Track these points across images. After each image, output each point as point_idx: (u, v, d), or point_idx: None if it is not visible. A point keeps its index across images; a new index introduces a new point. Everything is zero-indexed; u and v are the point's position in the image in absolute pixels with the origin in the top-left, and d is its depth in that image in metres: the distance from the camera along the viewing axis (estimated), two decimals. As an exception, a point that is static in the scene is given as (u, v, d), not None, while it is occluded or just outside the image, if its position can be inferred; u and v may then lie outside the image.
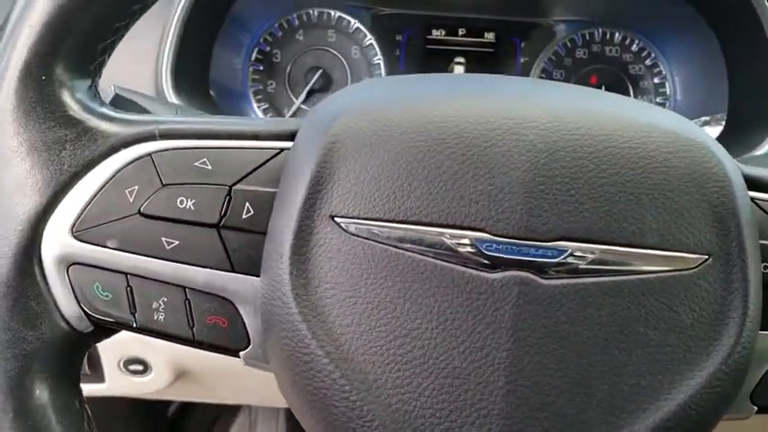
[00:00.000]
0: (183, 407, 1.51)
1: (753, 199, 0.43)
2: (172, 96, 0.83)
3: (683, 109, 1.02)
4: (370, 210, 0.39)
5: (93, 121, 0.42)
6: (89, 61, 0.43)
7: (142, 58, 0.84)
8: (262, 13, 1.01)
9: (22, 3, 0.41)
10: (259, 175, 0.43)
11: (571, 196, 0.39)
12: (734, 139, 0.88)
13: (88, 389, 0.89)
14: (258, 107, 1.03)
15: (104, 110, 0.44)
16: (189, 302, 0.42)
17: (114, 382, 0.87)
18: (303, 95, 1.03)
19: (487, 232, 0.39)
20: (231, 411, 1.51)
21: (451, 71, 1.05)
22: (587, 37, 1.04)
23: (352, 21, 1.03)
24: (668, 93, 1.03)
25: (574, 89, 0.49)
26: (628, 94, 1.03)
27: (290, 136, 0.44)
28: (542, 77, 1.04)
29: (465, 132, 0.40)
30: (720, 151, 0.42)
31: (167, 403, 1.50)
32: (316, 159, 0.40)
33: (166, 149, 0.42)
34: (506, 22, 1.04)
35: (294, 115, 1.04)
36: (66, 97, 0.42)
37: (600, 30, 1.03)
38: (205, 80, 0.93)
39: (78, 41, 0.41)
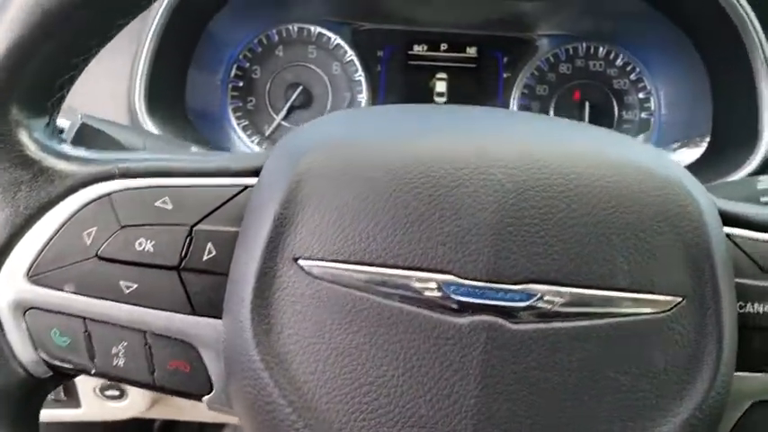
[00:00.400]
0: (166, 423, 1.49)
1: (728, 235, 0.41)
2: (146, 118, 0.81)
3: (668, 124, 1.01)
4: (334, 252, 0.38)
5: (50, 161, 0.41)
6: (46, 98, 0.41)
7: (116, 77, 0.83)
8: (240, 29, 1.00)
9: None
10: (222, 214, 0.42)
11: (540, 237, 0.38)
12: (717, 158, 0.88)
13: (64, 414, 0.88)
14: (238, 124, 1.02)
15: (62, 148, 0.42)
16: (149, 347, 0.41)
17: (90, 408, 0.85)
18: (283, 112, 1.02)
19: (455, 275, 0.37)
20: (215, 426, 1.49)
21: (433, 86, 1.04)
22: (571, 52, 1.03)
23: (333, 36, 1.02)
24: (653, 108, 1.02)
25: (547, 122, 0.48)
26: (612, 110, 1.02)
27: (255, 172, 0.42)
28: (525, 93, 1.03)
29: (432, 172, 0.38)
30: (695, 188, 0.41)
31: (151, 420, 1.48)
32: (279, 198, 0.39)
33: (126, 189, 0.41)
34: (489, 36, 1.03)
35: (274, 132, 1.02)
36: (23, 136, 0.40)
37: (584, 44, 1.03)
38: (181, 99, 0.92)
39: (34, 79, 0.40)
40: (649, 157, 0.41)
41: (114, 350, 0.41)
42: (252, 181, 0.42)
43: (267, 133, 1.02)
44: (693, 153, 0.93)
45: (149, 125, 0.81)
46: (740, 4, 0.82)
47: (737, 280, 0.40)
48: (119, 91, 0.82)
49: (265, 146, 1.02)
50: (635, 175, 0.39)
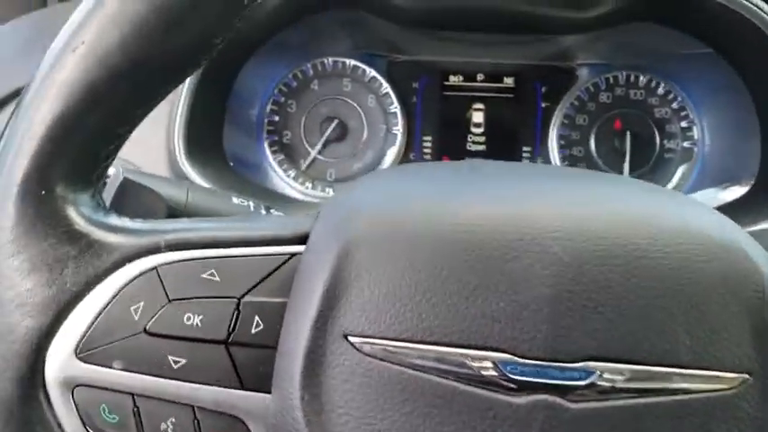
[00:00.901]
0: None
1: None
2: (186, 165, 0.81)
3: (712, 155, 0.98)
4: (385, 329, 0.37)
5: (98, 234, 0.40)
6: (91, 171, 0.41)
7: (154, 123, 0.83)
8: (275, 65, 1.00)
9: (20, 112, 0.40)
10: (269, 285, 0.41)
11: (599, 313, 0.36)
12: (764, 198, 0.85)
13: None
14: (274, 159, 1.01)
15: (108, 219, 0.42)
16: (198, 422, 0.40)
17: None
18: (319, 146, 1.01)
19: (511, 353, 0.36)
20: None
21: (470, 117, 1.03)
22: (611, 80, 1.01)
23: (368, 69, 1.02)
24: (696, 137, 1.00)
25: (598, 181, 0.46)
26: (654, 139, 1.00)
27: (302, 239, 0.41)
28: (565, 123, 1.01)
29: (485, 243, 0.37)
30: (759, 254, 0.39)
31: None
32: (327, 270, 0.38)
33: (173, 261, 0.40)
34: (526, 66, 1.02)
35: (310, 166, 1.02)
36: (70, 211, 0.40)
37: (623, 73, 1.01)
38: (219, 141, 0.92)
39: (79, 152, 0.40)
40: (709, 223, 0.40)
41: (163, 426, 0.40)
42: (299, 249, 0.41)
43: (303, 167, 1.02)
44: (740, 190, 0.91)
45: (190, 172, 0.81)
46: None
47: None
48: (158, 138, 0.83)
49: (301, 180, 1.02)
50: (695, 244, 0.38)
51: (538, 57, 1.01)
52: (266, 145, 1.01)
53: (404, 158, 1.02)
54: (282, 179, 1.01)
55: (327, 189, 1.02)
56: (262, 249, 0.41)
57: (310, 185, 1.01)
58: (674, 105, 1.00)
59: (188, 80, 0.83)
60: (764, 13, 0.79)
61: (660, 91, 1.00)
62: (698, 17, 0.87)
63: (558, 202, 0.40)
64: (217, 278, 0.40)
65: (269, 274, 0.41)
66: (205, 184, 0.81)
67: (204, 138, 0.87)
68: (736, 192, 0.92)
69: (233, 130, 0.95)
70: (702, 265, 0.37)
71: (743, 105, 0.92)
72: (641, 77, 1.00)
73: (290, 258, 0.41)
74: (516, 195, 0.41)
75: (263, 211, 0.67)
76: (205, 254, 0.41)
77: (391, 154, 1.02)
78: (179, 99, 0.83)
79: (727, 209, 0.91)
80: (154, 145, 0.83)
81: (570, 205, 0.39)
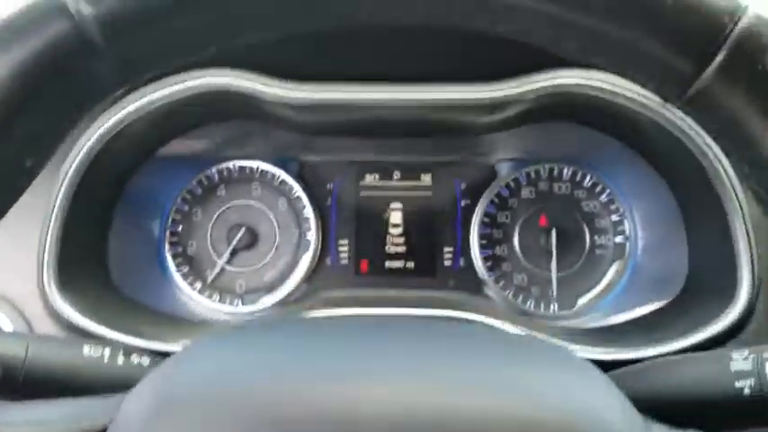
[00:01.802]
0: None
1: None
2: (56, 297, 0.74)
3: (646, 250, 0.92)
4: None
5: None
6: None
7: (23, 247, 0.77)
8: (178, 170, 0.94)
9: None
10: None
11: None
12: (694, 303, 0.78)
13: None
14: (177, 272, 0.95)
15: None
16: None
17: None
18: (226, 255, 0.95)
19: None
20: None
21: (388, 218, 0.97)
22: (532, 175, 0.95)
23: (277, 172, 0.96)
24: (627, 231, 0.93)
25: (465, 343, 0.40)
26: (583, 235, 0.94)
27: None
28: (486, 221, 0.95)
29: None
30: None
31: None
32: None
33: None
34: (444, 163, 0.96)
35: (217, 278, 0.95)
36: None
37: (546, 166, 0.95)
38: (101, 262, 0.85)
39: None
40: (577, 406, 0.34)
41: None
42: None
43: (210, 279, 0.95)
44: (671, 291, 0.84)
45: (62, 307, 0.73)
46: (714, 154, 0.73)
47: None
48: (28, 266, 0.76)
49: (208, 293, 0.95)
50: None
51: (456, 153, 0.96)
52: (169, 258, 0.95)
53: (319, 264, 0.96)
54: (186, 293, 0.94)
55: (237, 301, 0.95)
56: None
57: (218, 298, 0.95)
58: (603, 198, 0.94)
59: (61, 194, 0.76)
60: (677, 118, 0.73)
61: (586, 183, 0.94)
62: (610, 119, 0.82)
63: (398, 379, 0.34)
64: None
65: None
66: (80, 319, 0.74)
67: (83, 261, 0.80)
68: (667, 293, 0.85)
69: (124, 247, 0.88)
70: None
71: (666, 197, 0.86)
72: (565, 170, 0.95)
73: None
74: (360, 371, 0.35)
75: (121, 359, 0.60)
76: None
77: (305, 260, 0.95)
78: (50, 219, 0.76)
79: (657, 317, 0.83)
80: (24, 274, 0.76)
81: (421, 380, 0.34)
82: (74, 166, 0.77)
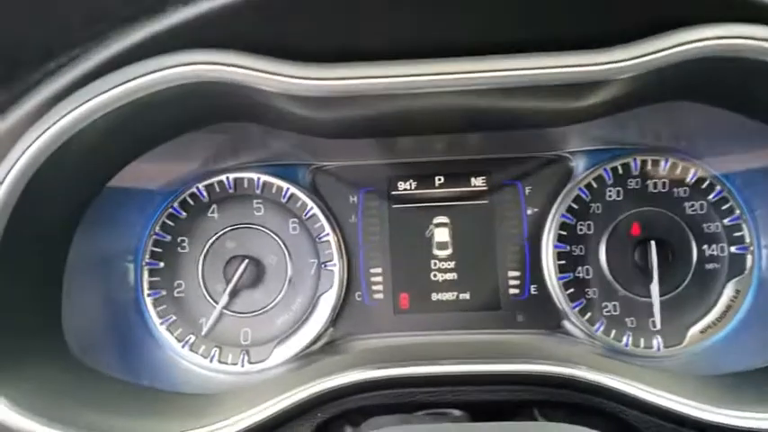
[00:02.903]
0: None
1: None
2: None
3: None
4: None
5: None
6: None
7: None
8: (151, 189, 0.71)
9: None
10: None
11: None
12: None
13: None
14: (161, 322, 0.72)
15: None
16: None
17: None
18: (225, 296, 0.72)
19: None
20: None
21: (432, 237, 0.74)
22: (620, 170, 0.73)
23: (284, 185, 0.73)
24: (747, 238, 0.71)
25: None
26: (689, 245, 0.72)
27: None
28: (562, 234, 0.73)
29: None
30: None
31: None
32: None
33: None
34: (499, 160, 0.74)
35: (214, 327, 0.73)
36: None
37: (637, 159, 0.73)
38: (54, 325, 0.61)
39: None
40: None
41: None
42: None
43: (205, 330, 0.73)
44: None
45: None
46: None
47: None
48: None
49: (203, 350, 0.72)
50: None
51: (514, 146, 0.73)
52: (149, 305, 0.72)
53: (345, 303, 0.74)
54: (174, 351, 0.72)
55: (242, 357, 0.72)
56: None
57: (217, 355, 0.72)
58: (712, 197, 0.72)
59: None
60: None
61: (690, 179, 0.72)
62: (740, 88, 0.59)
63: None
64: None
65: None
66: (22, 424, 0.51)
67: (24, 335, 0.57)
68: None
69: (86, 306, 0.65)
70: None
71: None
72: (662, 162, 0.72)
73: None
74: None
75: None
76: None
77: (328, 298, 0.73)
78: None
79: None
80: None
81: None
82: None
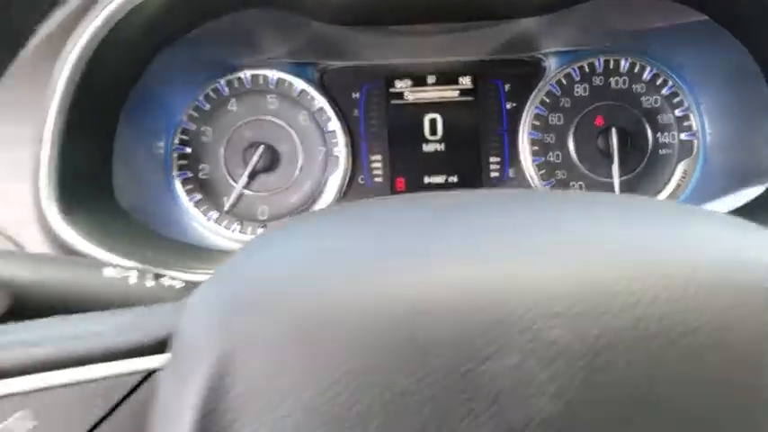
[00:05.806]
0: None
1: None
2: (59, 222, 0.62)
3: (717, 147, 0.82)
4: None
5: None
6: None
7: (18, 169, 0.64)
8: (179, 84, 0.82)
9: None
10: (113, 426, 0.29)
11: None
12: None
13: None
14: (189, 200, 0.83)
15: None
16: None
17: None
18: (244, 178, 0.83)
19: None
20: None
21: (424, 128, 0.86)
22: (586, 69, 0.85)
23: (295, 81, 0.84)
24: (695, 126, 0.83)
25: (608, 212, 0.30)
26: (645, 133, 0.84)
27: (160, 346, 0.30)
28: (536, 125, 0.84)
29: (438, 339, 0.21)
30: None
31: None
32: (201, 396, 0.25)
33: None
34: (484, 62, 0.85)
35: (236, 204, 0.84)
36: None
37: (600, 59, 0.84)
38: (107, 187, 0.72)
39: None
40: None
41: None
42: (156, 362, 0.30)
43: (227, 207, 0.83)
44: (754, 190, 0.74)
45: (66, 233, 0.62)
46: None
47: None
48: (24, 190, 0.63)
49: (226, 223, 0.83)
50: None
51: (496, 49, 0.85)
52: (178, 184, 0.83)
53: (350, 185, 0.85)
54: (201, 224, 0.82)
55: (259, 230, 0.83)
56: (100, 370, 0.29)
57: (238, 228, 0.83)
58: (665, 91, 0.84)
59: (54, 111, 0.63)
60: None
61: (646, 76, 0.84)
62: None
63: (556, 255, 0.24)
64: (31, 424, 0.28)
65: (111, 410, 0.29)
66: (86, 246, 0.62)
67: (85, 186, 0.68)
68: (749, 192, 0.76)
69: (130, 172, 0.76)
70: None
71: (749, 83, 0.77)
72: (622, 62, 0.84)
73: (143, 381, 0.30)
74: (487, 250, 0.24)
75: (151, 282, 0.50)
76: (13, 388, 0.29)
77: (334, 181, 0.84)
78: (46, 137, 0.64)
79: (742, 214, 0.74)
80: (21, 199, 0.64)
81: (574, 262, 0.23)
82: (62, 79, 0.64)
